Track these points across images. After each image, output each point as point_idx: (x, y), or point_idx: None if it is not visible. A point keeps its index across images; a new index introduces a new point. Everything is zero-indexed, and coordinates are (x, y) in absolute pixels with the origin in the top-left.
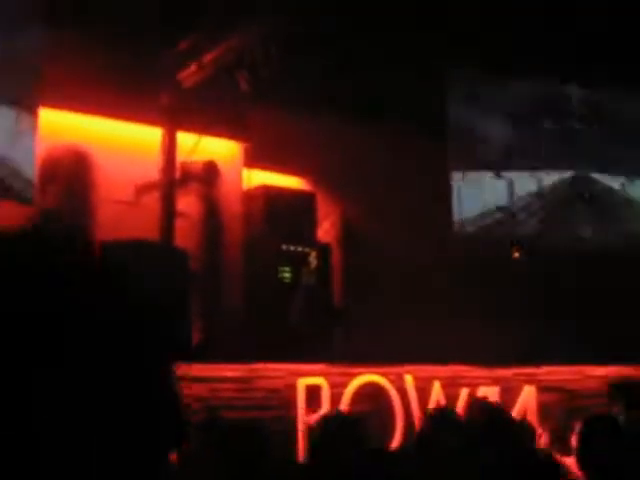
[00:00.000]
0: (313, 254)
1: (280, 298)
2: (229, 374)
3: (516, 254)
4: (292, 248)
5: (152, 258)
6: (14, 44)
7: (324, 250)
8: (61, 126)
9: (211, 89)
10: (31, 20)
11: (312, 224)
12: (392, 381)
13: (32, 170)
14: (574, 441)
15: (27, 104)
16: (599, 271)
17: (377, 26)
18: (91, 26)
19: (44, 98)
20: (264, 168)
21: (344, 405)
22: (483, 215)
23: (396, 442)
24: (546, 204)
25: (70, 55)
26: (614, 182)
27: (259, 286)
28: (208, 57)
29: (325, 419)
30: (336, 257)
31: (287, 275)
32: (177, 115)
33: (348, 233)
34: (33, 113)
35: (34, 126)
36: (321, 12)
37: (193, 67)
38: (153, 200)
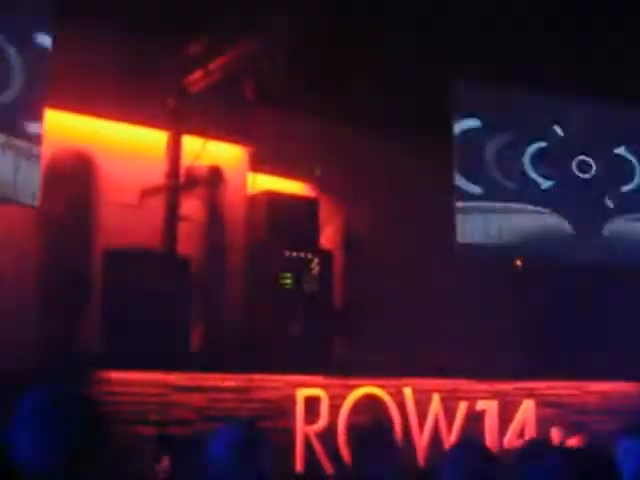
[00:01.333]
0: (315, 260)
1: (282, 304)
2: (228, 384)
3: (518, 262)
4: (294, 254)
5: (153, 265)
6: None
7: (326, 256)
8: (66, 128)
9: (217, 94)
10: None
11: (315, 230)
12: (391, 394)
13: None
14: None
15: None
16: (603, 285)
17: (382, 36)
18: (98, 29)
19: (50, 100)
20: (268, 173)
21: (343, 417)
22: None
23: None
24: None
25: (76, 57)
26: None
27: (261, 292)
28: (215, 64)
29: None
30: (338, 264)
31: (289, 281)
32: (183, 119)
33: (350, 240)
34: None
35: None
36: (325, 22)
37: (200, 73)
38: (157, 204)
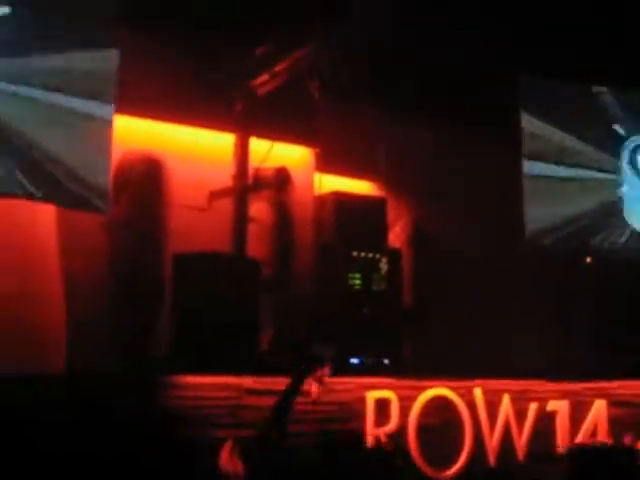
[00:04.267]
0: (384, 260)
1: (351, 305)
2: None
3: (589, 259)
4: (362, 254)
5: (223, 269)
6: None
7: (394, 255)
8: (135, 133)
9: (283, 96)
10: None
11: (383, 229)
12: (461, 395)
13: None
14: None
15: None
16: None
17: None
18: (166, 33)
19: (118, 105)
20: (335, 173)
21: (413, 418)
22: (556, 227)
23: (464, 456)
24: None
25: (144, 62)
26: None
27: (330, 293)
28: (281, 66)
29: None
30: (406, 262)
31: (357, 282)
32: (250, 122)
33: (419, 238)
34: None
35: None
36: (389, 21)
37: (266, 75)
38: (226, 206)
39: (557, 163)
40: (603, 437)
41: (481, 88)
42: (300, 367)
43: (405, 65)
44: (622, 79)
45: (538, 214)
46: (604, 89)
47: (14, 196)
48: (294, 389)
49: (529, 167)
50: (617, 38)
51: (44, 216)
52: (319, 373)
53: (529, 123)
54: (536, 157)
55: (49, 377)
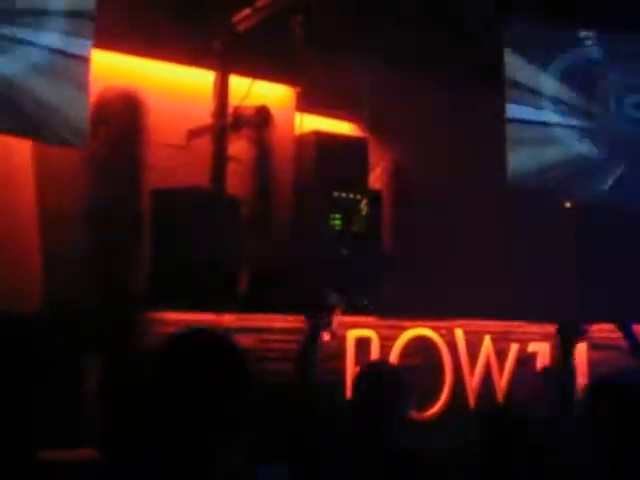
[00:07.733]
0: (364, 201)
1: (331, 246)
2: (279, 325)
3: (568, 204)
4: (343, 195)
5: (202, 205)
6: None
7: (375, 197)
8: (113, 69)
9: (265, 33)
10: None
11: (364, 171)
12: (442, 335)
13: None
14: None
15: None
16: None
17: None
18: None
19: (96, 40)
20: (317, 113)
21: (393, 358)
22: (541, 171)
23: (445, 396)
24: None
25: None
26: None
27: (309, 232)
28: (262, 1)
29: None
30: (387, 204)
31: (338, 222)
32: (230, 59)
33: (399, 180)
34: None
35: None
36: None
37: (247, 11)
38: (205, 144)
39: (541, 108)
40: (583, 380)
41: (466, 33)
42: (317, 317)
43: (392, 8)
44: (609, 24)
45: (522, 158)
46: (590, 34)
47: None
48: (313, 338)
49: (512, 111)
50: None
51: (19, 151)
52: (331, 320)
53: (513, 67)
54: (520, 101)
55: (24, 314)
